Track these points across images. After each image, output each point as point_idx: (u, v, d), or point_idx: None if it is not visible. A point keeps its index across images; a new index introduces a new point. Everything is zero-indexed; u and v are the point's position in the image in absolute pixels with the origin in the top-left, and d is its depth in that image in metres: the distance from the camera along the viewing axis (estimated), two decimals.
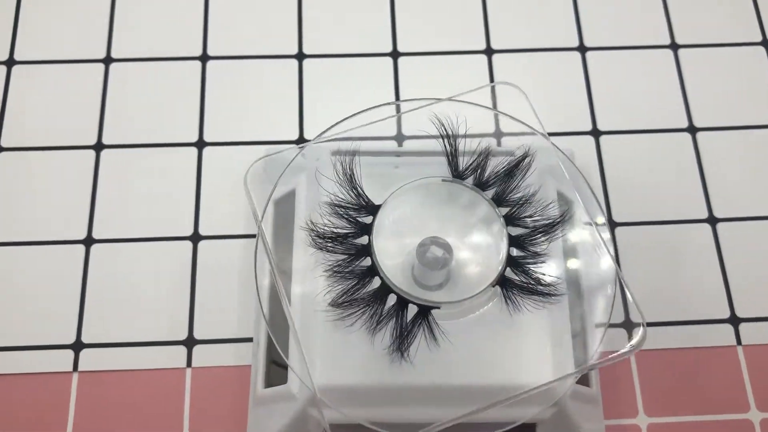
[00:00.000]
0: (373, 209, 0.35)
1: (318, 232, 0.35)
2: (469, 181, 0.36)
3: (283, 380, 0.37)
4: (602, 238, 0.36)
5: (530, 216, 0.35)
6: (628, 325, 0.42)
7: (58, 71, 0.47)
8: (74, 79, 0.47)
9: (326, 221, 0.35)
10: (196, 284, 0.43)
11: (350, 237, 0.35)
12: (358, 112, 0.37)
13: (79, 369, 0.41)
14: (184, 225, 0.44)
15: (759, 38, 0.49)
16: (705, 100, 0.48)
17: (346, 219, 0.35)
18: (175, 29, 0.49)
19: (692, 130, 0.47)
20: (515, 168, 0.36)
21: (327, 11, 0.50)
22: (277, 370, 0.39)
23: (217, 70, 0.48)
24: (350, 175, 0.35)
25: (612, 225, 0.44)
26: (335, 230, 0.35)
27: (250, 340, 0.41)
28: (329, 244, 0.34)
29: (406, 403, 0.35)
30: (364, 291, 0.34)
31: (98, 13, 0.49)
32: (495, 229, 0.36)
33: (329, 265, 0.34)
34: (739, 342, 0.42)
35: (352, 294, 0.34)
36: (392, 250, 0.35)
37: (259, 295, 0.36)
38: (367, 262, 0.34)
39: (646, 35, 0.49)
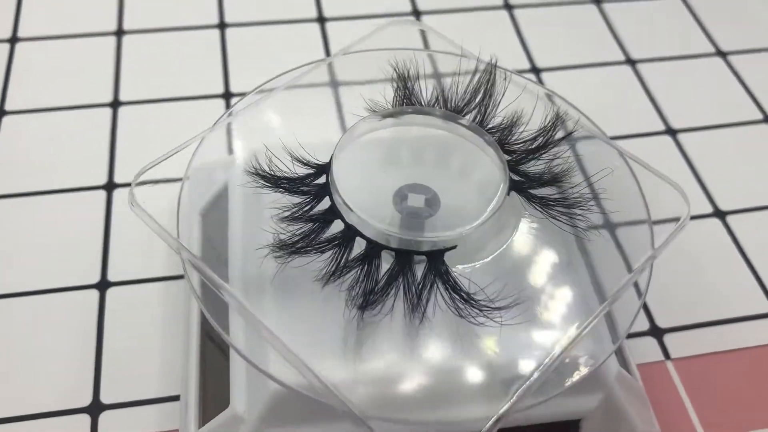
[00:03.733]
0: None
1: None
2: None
3: (224, 406, 0.26)
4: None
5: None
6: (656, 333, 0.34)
7: None
8: None
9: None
10: (103, 338, 0.33)
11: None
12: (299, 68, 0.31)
13: None
14: (88, 272, 0.35)
15: (713, 50, 0.47)
16: (676, 106, 0.44)
17: None
18: (83, 75, 0.43)
19: (671, 132, 0.42)
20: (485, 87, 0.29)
21: (253, 46, 0.45)
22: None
23: (129, 114, 0.41)
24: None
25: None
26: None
27: (174, 399, 0.31)
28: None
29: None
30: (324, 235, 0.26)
31: None
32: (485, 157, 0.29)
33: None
34: None
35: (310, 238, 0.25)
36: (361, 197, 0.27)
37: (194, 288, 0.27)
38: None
39: (601, 52, 0.46)
